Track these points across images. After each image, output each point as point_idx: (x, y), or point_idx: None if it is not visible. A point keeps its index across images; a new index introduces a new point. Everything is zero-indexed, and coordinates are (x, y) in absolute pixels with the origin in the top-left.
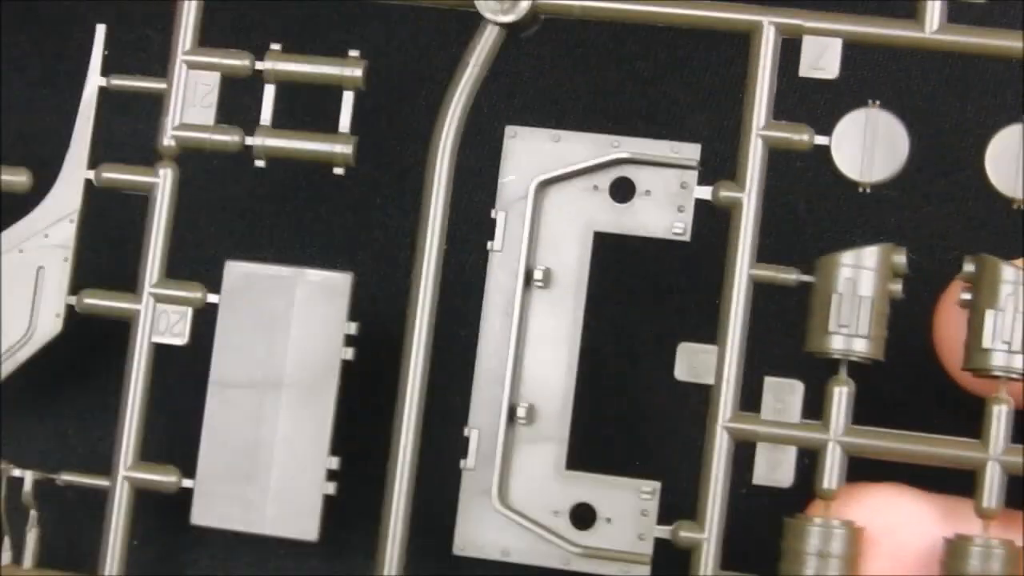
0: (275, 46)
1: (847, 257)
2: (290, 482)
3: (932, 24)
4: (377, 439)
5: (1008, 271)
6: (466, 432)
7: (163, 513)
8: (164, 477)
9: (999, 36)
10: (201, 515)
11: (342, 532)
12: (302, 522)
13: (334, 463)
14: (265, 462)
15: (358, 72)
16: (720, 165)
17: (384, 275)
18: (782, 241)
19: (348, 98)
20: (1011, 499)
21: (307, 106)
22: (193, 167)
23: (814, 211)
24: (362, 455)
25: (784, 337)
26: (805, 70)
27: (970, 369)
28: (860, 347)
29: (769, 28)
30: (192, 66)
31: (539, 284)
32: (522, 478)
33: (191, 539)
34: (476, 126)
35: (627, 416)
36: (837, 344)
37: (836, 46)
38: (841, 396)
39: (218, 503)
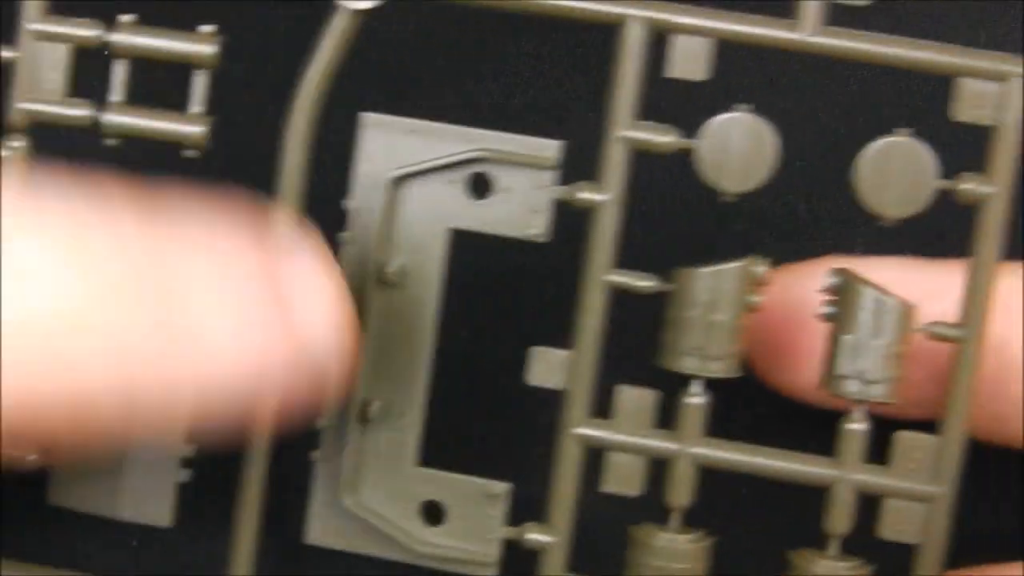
0: (126, 18)
1: (705, 276)
2: (144, 468)
3: (810, 27)
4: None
5: (869, 295)
6: (318, 424)
7: None
8: (23, 454)
9: (879, 42)
10: (58, 495)
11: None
12: (155, 508)
13: (189, 450)
14: (118, 455)
15: (211, 49)
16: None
17: None
18: (784, 242)
19: (201, 77)
20: None
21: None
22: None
23: (814, 211)
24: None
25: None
26: (673, 69)
27: (826, 390)
28: (714, 367)
29: (635, 23)
30: (39, 36)
31: (391, 280)
32: (373, 473)
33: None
34: (337, 113)
35: (480, 416)
36: (690, 364)
37: (707, 46)
38: (693, 409)
39: (75, 485)
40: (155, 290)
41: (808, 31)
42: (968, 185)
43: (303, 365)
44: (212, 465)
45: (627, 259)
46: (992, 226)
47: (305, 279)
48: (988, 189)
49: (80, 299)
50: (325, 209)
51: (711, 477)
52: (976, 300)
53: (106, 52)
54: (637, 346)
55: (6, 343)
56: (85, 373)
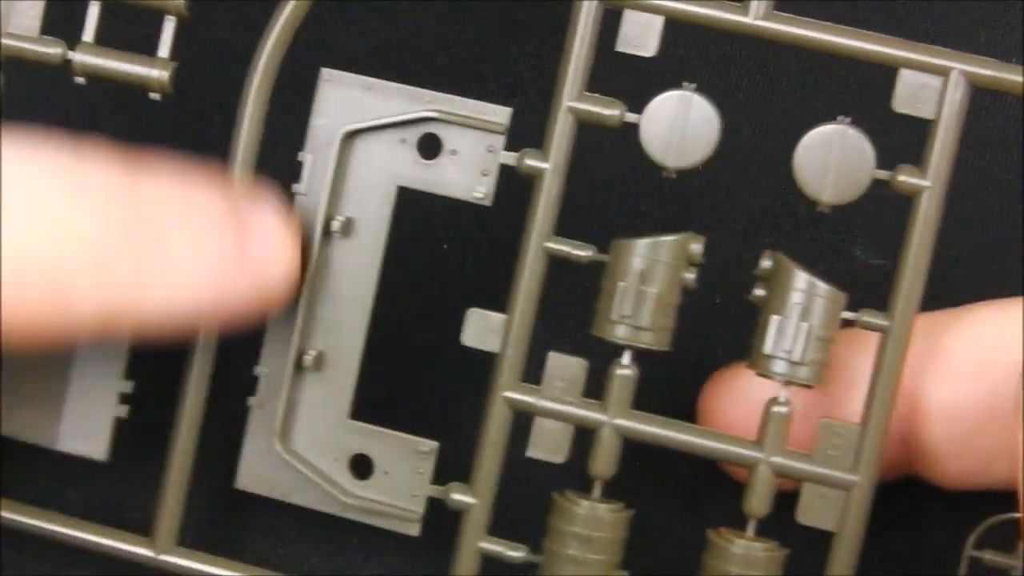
0: None
1: (640, 246)
2: (83, 403)
3: (757, 11)
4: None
5: (801, 278)
6: (256, 371)
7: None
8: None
9: (824, 30)
10: (3, 425)
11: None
12: (93, 442)
13: (128, 387)
14: (61, 380)
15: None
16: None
17: None
18: (781, 238)
19: (170, 23)
20: None
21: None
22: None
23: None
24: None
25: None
26: (622, 45)
27: (754, 370)
28: (644, 338)
29: None
30: None
31: (338, 233)
32: (305, 423)
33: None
34: (299, 66)
35: (415, 373)
36: (620, 333)
37: (657, 23)
38: (621, 380)
39: (16, 415)
40: (135, 220)
41: (756, 16)
42: (904, 177)
43: (255, 290)
44: (150, 402)
45: (576, 230)
46: (925, 219)
47: (262, 221)
48: (923, 182)
49: (73, 219)
50: (282, 159)
51: (651, 452)
52: (904, 292)
53: None
54: (582, 316)
55: (6, 253)
56: (72, 282)
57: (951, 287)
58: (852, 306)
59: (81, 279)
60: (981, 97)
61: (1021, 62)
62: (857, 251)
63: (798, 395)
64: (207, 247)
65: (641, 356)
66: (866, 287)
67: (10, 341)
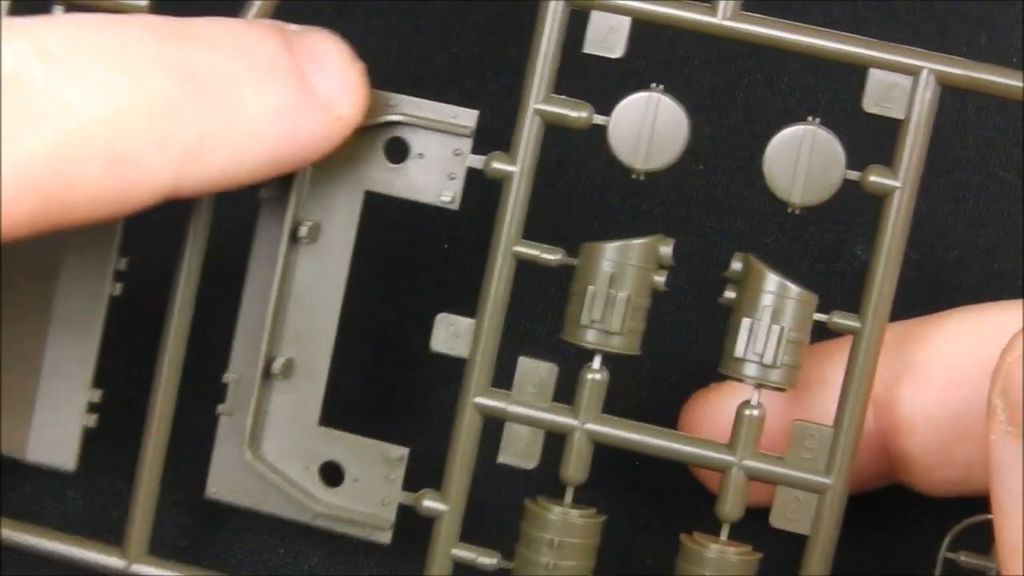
0: None
1: (610, 249)
2: (52, 412)
3: (725, 12)
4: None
5: (771, 280)
6: (225, 379)
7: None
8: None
9: (793, 30)
10: None
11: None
12: (61, 452)
13: (96, 396)
14: (30, 390)
15: (143, 2)
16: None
17: (163, 212)
18: (781, 237)
19: None
20: None
21: None
22: None
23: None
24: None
25: None
26: (590, 47)
27: (724, 374)
28: (613, 342)
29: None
30: None
31: (304, 239)
32: (275, 430)
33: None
34: None
35: (385, 378)
36: (590, 337)
37: (624, 24)
38: (591, 384)
39: None
40: (192, 76)
41: (723, 16)
42: (875, 177)
43: (327, 120)
44: (118, 412)
45: (548, 235)
46: (896, 219)
47: (322, 53)
48: (893, 183)
49: (127, 89)
50: None
51: (621, 456)
52: (876, 293)
53: None
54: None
55: (62, 136)
56: (135, 153)
57: (951, 287)
58: (852, 307)
59: (144, 149)
60: (981, 97)
61: (1021, 62)
62: (857, 251)
63: (772, 400)
64: (271, 89)
65: (613, 360)
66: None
67: (75, 214)
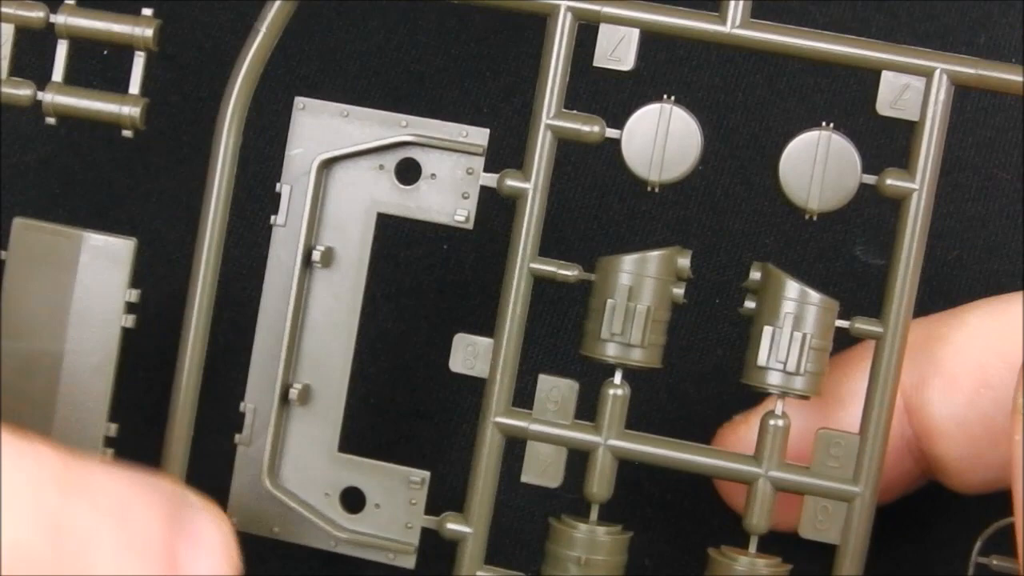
0: (70, 0)
1: (627, 262)
2: (68, 446)
3: (734, 20)
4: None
5: (792, 287)
6: (242, 408)
7: None
8: None
9: (803, 35)
10: None
11: None
12: None
13: (112, 430)
14: (44, 425)
15: (149, 32)
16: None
17: (174, 243)
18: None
19: (139, 59)
20: None
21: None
22: None
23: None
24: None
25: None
26: (600, 60)
27: (747, 384)
28: (635, 355)
29: (565, 12)
30: None
31: (318, 264)
32: (294, 457)
33: None
34: (272, 96)
35: (403, 402)
36: (611, 351)
37: (633, 36)
38: (614, 400)
39: None
40: (60, 530)
41: (733, 24)
42: (892, 180)
43: None
44: (136, 446)
45: (548, 237)
46: (915, 222)
47: (203, 537)
48: (911, 185)
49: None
50: (263, 191)
51: (642, 474)
52: (897, 297)
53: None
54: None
55: None
56: None
57: (951, 287)
58: (851, 308)
59: None
60: (981, 98)
61: (1021, 62)
62: (857, 251)
63: (799, 414)
64: (134, 565)
65: (635, 372)
66: (866, 288)
67: None
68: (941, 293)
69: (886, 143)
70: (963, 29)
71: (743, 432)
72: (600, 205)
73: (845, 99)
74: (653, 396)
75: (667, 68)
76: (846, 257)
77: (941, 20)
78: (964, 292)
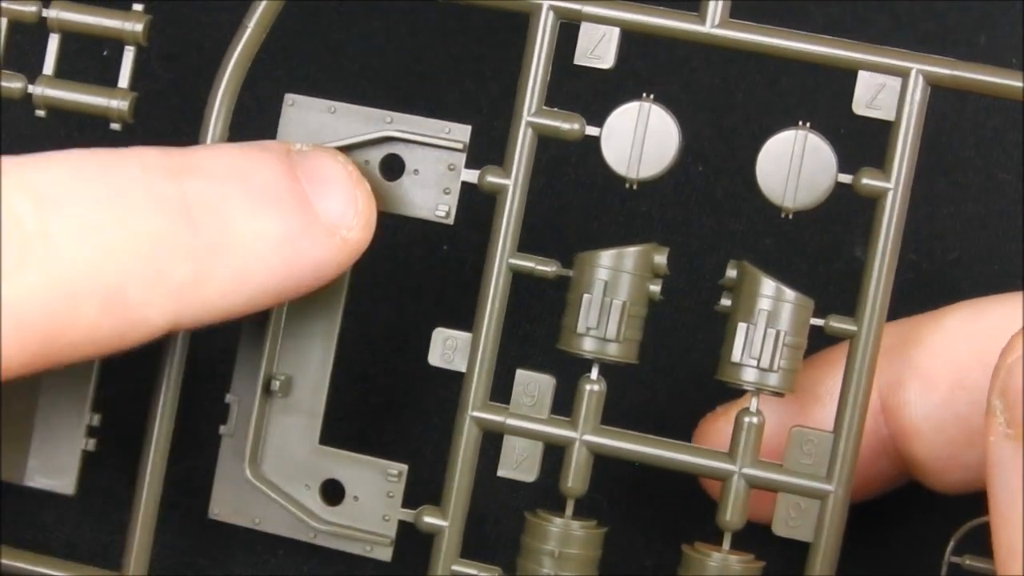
0: None
1: (604, 257)
2: (50, 436)
3: (713, 19)
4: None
5: (767, 285)
6: (227, 399)
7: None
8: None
9: (781, 35)
10: None
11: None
12: (61, 477)
13: (95, 419)
14: (28, 415)
15: (139, 27)
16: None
17: None
18: (782, 240)
19: (129, 53)
20: None
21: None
22: None
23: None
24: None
25: None
26: (580, 58)
27: (720, 380)
28: (610, 350)
29: (547, 11)
30: None
31: None
32: (276, 449)
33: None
34: (265, 92)
35: (382, 395)
36: (587, 345)
37: (614, 35)
38: (590, 395)
39: None
40: (186, 209)
41: (712, 24)
42: (867, 180)
43: (331, 245)
44: (118, 435)
45: (549, 238)
46: (889, 221)
47: (326, 176)
48: (885, 184)
49: (120, 229)
50: None
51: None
52: (871, 296)
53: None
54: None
55: (56, 280)
56: (130, 294)
57: (951, 288)
58: (850, 308)
59: (139, 289)
60: (981, 98)
61: (1021, 62)
62: (857, 252)
63: (775, 412)
64: (270, 217)
65: (613, 370)
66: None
67: (73, 353)
68: (941, 293)
69: (886, 143)
70: (963, 29)
71: (723, 424)
72: (600, 205)
73: (845, 99)
74: (630, 388)
75: (667, 68)
76: (846, 258)
77: (941, 20)
78: (964, 292)
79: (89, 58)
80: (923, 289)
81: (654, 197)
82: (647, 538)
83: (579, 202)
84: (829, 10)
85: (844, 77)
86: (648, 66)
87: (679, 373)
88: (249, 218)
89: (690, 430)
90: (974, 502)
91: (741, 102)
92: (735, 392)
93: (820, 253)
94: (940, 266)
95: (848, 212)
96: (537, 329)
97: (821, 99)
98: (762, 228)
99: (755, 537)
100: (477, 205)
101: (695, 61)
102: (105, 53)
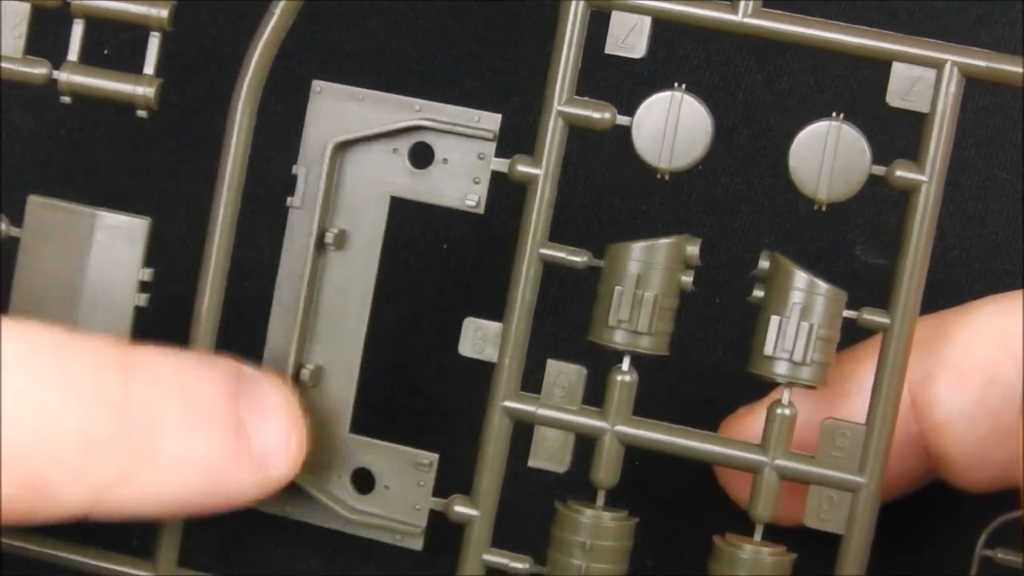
0: None
1: (636, 250)
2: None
3: (746, 9)
4: None
5: (800, 278)
6: None
7: None
8: None
9: (814, 25)
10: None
11: None
12: None
13: None
14: None
15: (164, 13)
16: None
17: (191, 223)
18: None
19: (154, 40)
20: None
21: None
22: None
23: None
24: None
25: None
26: (612, 47)
27: (753, 372)
28: (642, 343)
29: (578, 1)
30: None
31: (332, 246)
32: (306, 438)
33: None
34: (292, 78)
35: (413, 384)
36: (618, 338)
37: (645, 24)
38: (621, 386)
39: None
40: (125, 411)
41: (744, 13)
42: (901, 172)
43: (254, 477)
44: None
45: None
46: (924, 214)
47: (264, 407)
48: (920, 177)
49: (59, 413)
50: (280, 173)
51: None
52: (905, 288)
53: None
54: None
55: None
56: (53, 475)
57: (951, 287)
58: (852, 307)
59: (63, 473)
60: (981, 97)
61: (956, 49)
62: (857, 251)
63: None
64: (202, 435)
65: (640, 361)
66: (867, 287)
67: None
68: (942, 292)
69: (887, 141)
70: (964, 28)
71: (747, 424)
72: (600, 205)
73: (846, 99)
74: (656, 389)
75: (667, 67)
76: (846, 256)
77: (942, 20)
78: (965, 291)
79: (89, 58)
80: (924, 287)
81: (654, 196)
82: (647, 538)
83: (578, 201)
84: (829, 10)
85: (844, 77)
86: (647, 65)
87: (678, 368)
88: (181, 434)
89: (706, 423)
90: (1002, 500)
91: (741, 101)
92: (754, 386)
93: (820, 252)
94: (940, 265)
95: (848, 212)
96: (568, 320)
97: (821, 99)
98: (762, 227)
99: (767, 535)
100: (503, 196)
101: (695, 60)
102: (106, 52)
